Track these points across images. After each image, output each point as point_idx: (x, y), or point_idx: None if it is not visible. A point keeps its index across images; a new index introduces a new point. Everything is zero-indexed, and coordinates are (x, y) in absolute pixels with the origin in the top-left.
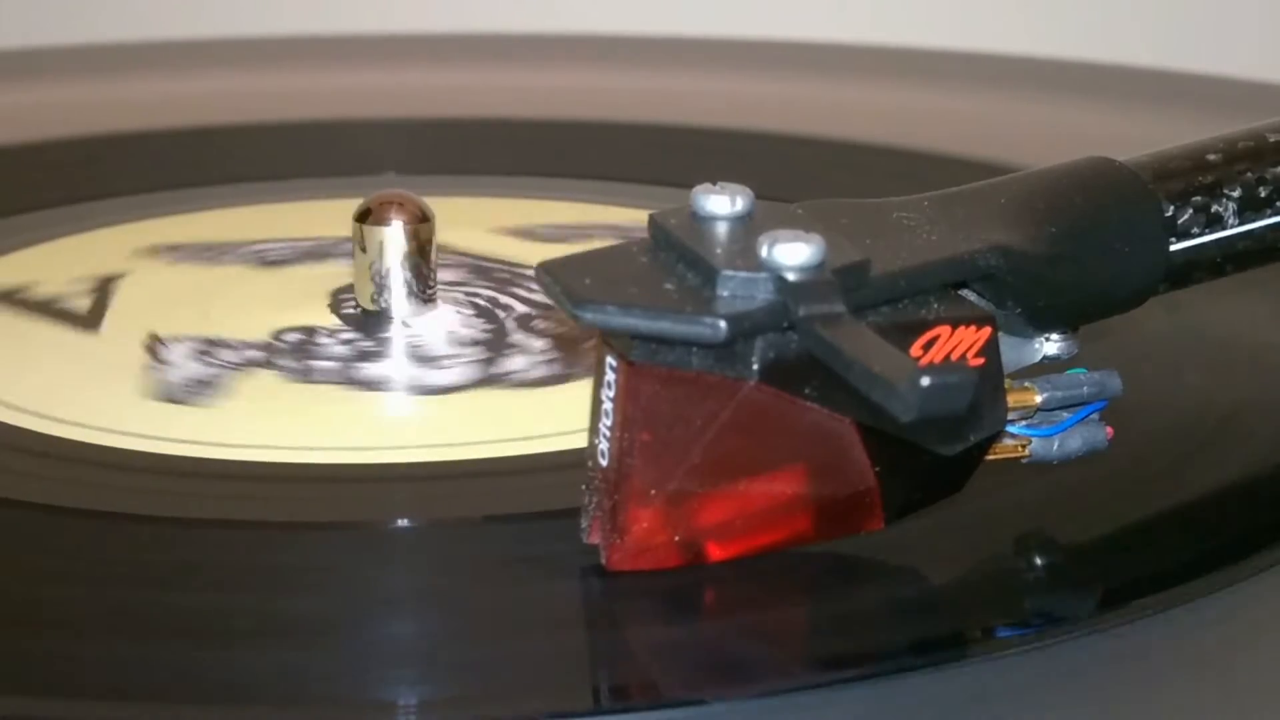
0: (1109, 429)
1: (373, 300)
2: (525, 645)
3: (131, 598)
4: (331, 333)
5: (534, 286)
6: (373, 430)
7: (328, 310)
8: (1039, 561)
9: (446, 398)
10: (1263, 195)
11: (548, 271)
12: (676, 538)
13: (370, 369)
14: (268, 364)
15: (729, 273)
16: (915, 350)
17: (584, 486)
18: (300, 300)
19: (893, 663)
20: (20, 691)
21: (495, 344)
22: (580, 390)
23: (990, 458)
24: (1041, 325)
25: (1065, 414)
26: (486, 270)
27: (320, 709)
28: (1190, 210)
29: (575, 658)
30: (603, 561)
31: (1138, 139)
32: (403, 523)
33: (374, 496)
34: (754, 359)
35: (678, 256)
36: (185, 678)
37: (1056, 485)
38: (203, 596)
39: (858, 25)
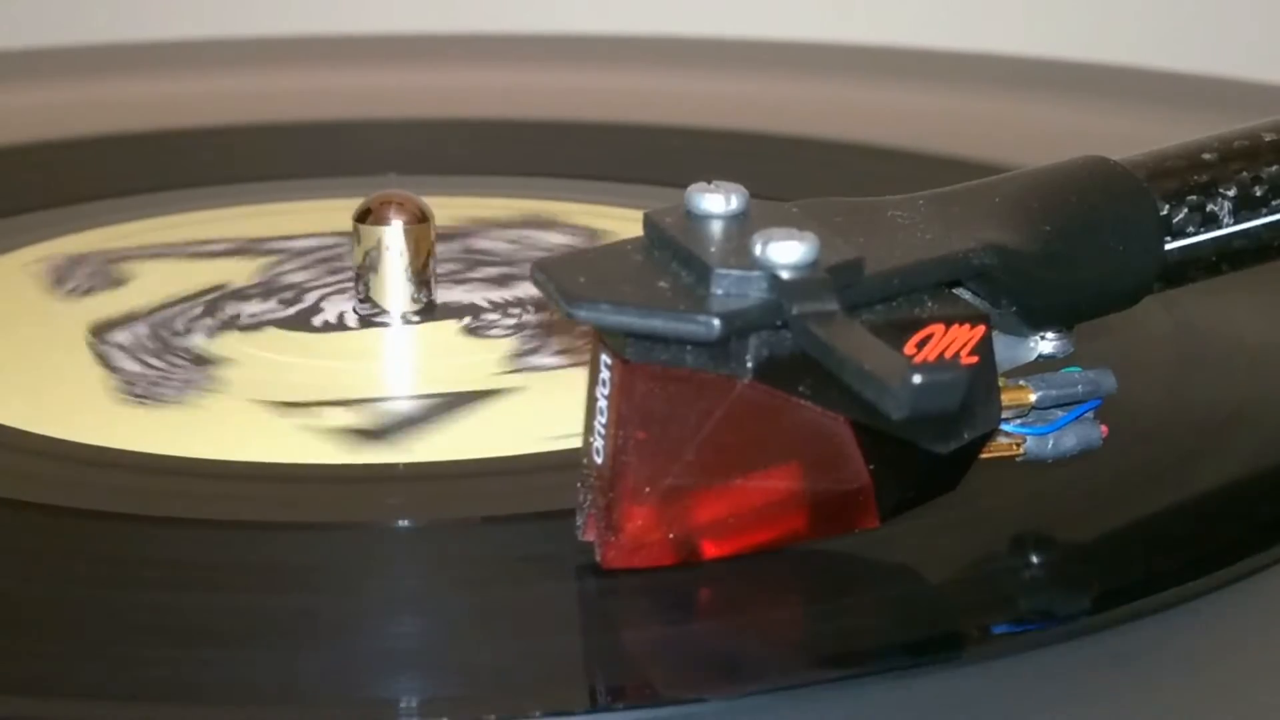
0: (1104, 427)
1: (373, 299)
2: (522, 645)
3: (130, 598)
4: (331, 332)
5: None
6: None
7: (327, 309)
8: (1036, 560)
9: (446, 396)
10: (1258, 194)
11: (542, 270)
12: (671, 535)
13: (370, 368)
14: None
15: (723, 271)
16: (909, 348)
17: (579, 484)
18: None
19: (888, 662)
20: (20, 691)
21: (494, 343)
22: (580, 390)
23: (985, 456)
24: (1036, 324)
25: (1060, 412)
26: (486, 269)
27: (320, 709)
28: (1185, 209)
29: (572, 657)
30: (597, 559)
31: (1134, 138)
32: (402, 523)
33: (374, 496)
34: (748, 357)
35: (672, 255)
36: (184, 678)
37: (1053, 484)
38: (202, 596)
39: (856, 25)
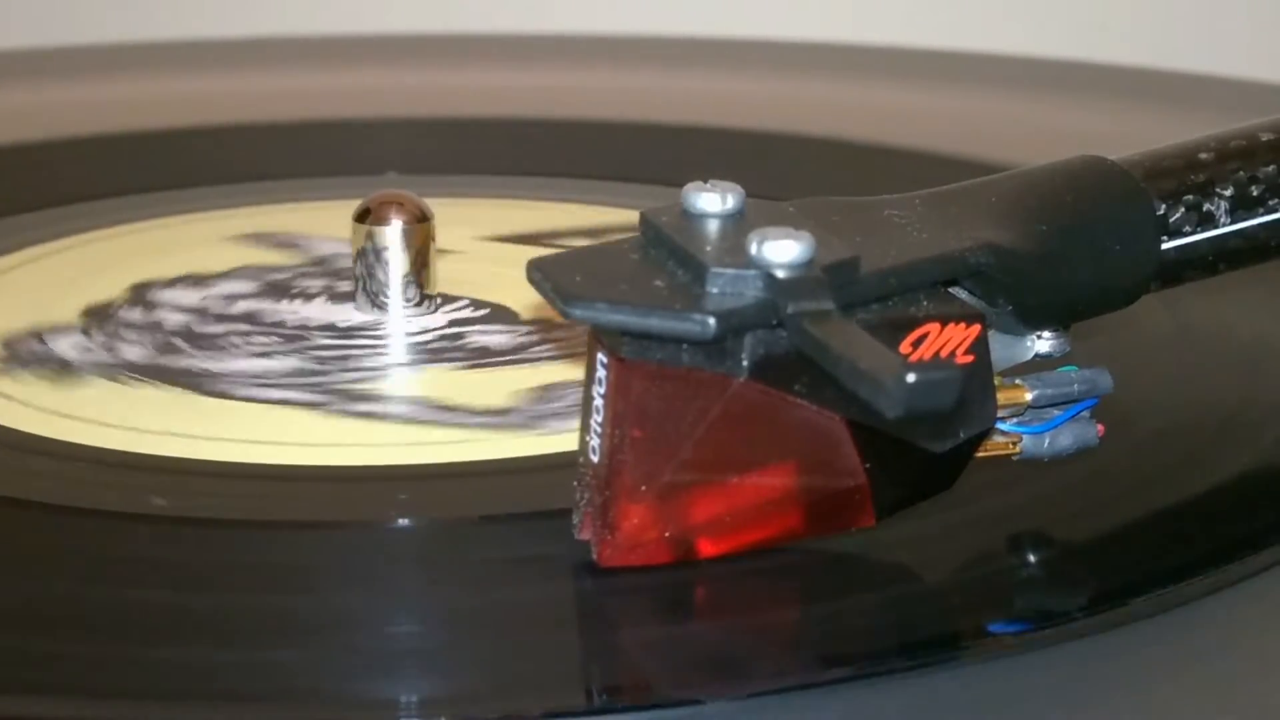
0: (1100, 426)
1: (372, 300)
2: (520, 644)
3: (130, 598)
4: (331, 332)
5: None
6: (371, 430)
7: (327, 310)
8: (1034, 560)
9: (445, 396)
10: (1255, 194)
11: (538, 269)
12: (667, 534)
13: (369, 368)
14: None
15: (718, 270)
16: (904, 347)
17: (576, 483)
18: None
19: (887, 662)
20: (20, 691)
21: (495, 343)
22: (577, 389)
23: (981, 455)
24: (1032, 323)
25: (1056, 411)
26: (484, 269)
27: (319, 709)
28: (1182, 209)
29: (570, 657)
30: (594, 558)
31: (1131, 138)
32: (401, 523)
33: (374, 496)
34: (744, 356)
35: (668, 254)
36: (185, 678)
37: (1050, 483)
38: (202, 596)
39: (856, 25)
